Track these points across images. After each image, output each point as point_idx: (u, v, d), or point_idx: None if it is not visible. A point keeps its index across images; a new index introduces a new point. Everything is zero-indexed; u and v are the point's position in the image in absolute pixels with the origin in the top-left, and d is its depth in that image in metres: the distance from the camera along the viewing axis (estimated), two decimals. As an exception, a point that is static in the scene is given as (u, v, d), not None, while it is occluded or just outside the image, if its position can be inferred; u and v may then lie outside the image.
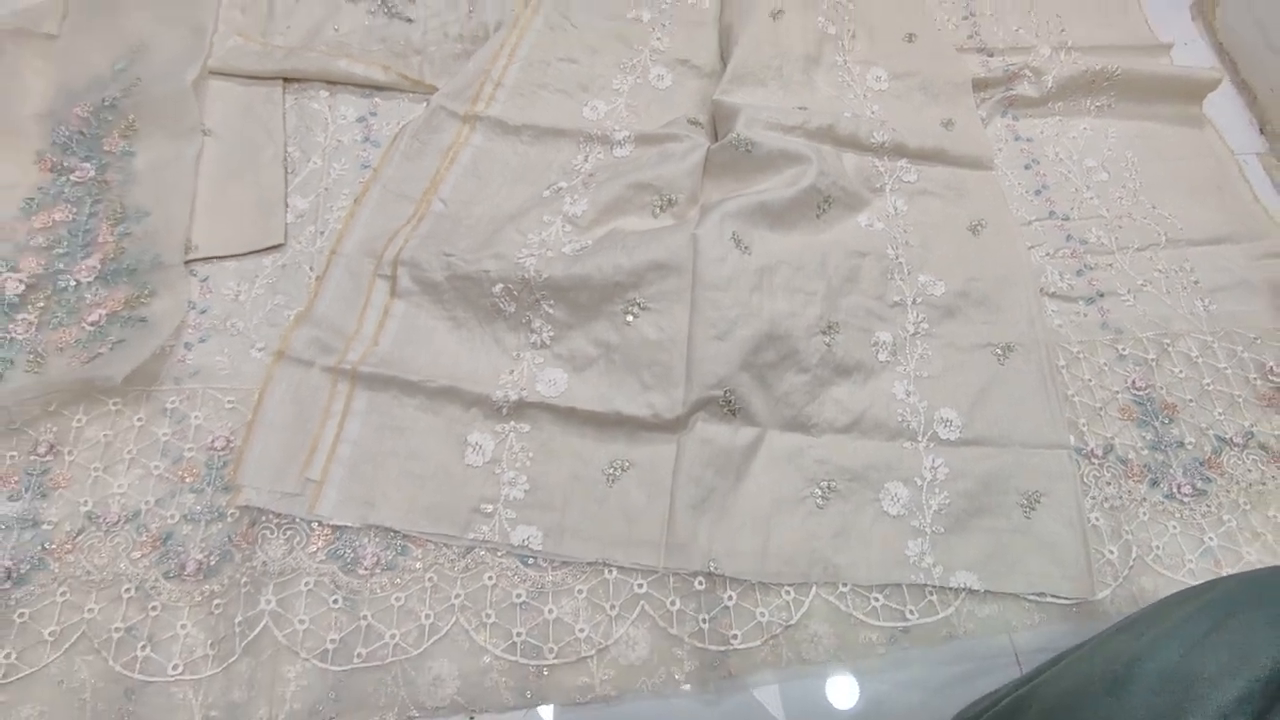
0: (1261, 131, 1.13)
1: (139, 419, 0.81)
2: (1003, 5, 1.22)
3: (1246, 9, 1.16)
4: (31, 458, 0.79)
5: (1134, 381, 0.90)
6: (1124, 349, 0.92)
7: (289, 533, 0.77)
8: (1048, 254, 0.99)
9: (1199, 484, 0.84)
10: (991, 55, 1.16)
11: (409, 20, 1.11)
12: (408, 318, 0.87)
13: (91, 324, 0.86)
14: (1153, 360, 0.92)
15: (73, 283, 0.88)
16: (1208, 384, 0.90)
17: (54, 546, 0.74)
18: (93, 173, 0.96)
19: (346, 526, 0.77)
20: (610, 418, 0.81)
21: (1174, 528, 0.82)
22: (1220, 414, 0.89)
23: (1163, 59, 1.18)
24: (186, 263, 0.91)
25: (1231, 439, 0.87)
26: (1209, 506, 0.83)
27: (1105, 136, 1.10)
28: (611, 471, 0.81)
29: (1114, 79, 1.09)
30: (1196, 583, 0.78)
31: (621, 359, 0.83)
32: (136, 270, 0.89)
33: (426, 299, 0.87)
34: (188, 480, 0.79)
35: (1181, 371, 0.91)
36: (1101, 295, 0.96)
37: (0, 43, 1.04)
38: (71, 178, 0.95)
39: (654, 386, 0.81)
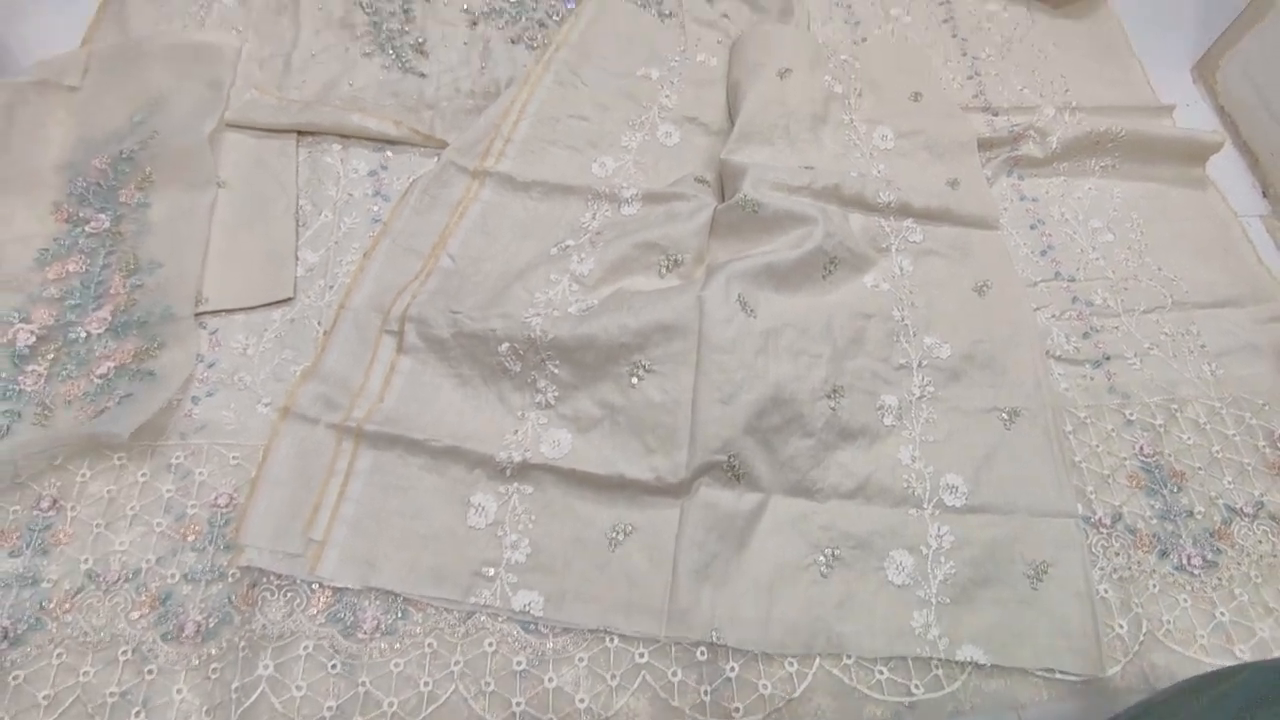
0: (1264, 194, 1.14)
1: (143, 474, 0.81)
2: (1007, 65, 1.24)
3: (1245, 75, 1.17)
4: (34, 513, 0.79)
5: (1142, 448, 0.90)
6: (1131, 414, 0.92)
7: (289, 594, 0.76)
8: (1054, 316, 0.99)
9: (1209, 555, 0.83)
10: (996, 115, 1.17)
11: (422, 75, 1.13)
12: (414, 374, 0.87)
13: (100, 376, 0.86)
14: (1160, 426, 0.91)
15: (83, 334, 0.89)
16: (1216, 451, 0.90)
17: (52, 605, 0.74)
18: (107, 224, 0.97)
19: (347, 589, 0.76)
20: (613, 480, 0.81)
21: (1184, 601, 0.81)
22: (1230, 483, 0.88)
23: (1165, 120, 1.19)
24: (196, 315, 0.92)
25: (1241, 509, 0.86)
26: (1220, 579, 0.82)
27: (1110, 197, 1.10)
28: (614, 535, 0.80)
29: (1118, 140, 1.10)
30: (1208, 659, 0.78)
31: (626, 421, 0.82)
32: (147, 322, 0.90)
33: (433, 356, 0.88)
34: (189, 538, 0.79)
35: (1189, 438, 0.91)
36: (1108, 358, 0.96)
37: (24, 94, 1.06)
38: (86, 229, 0.96)
39: (657, 450, 0.81)
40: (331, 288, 0.95)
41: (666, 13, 1.24)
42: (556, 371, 0.85)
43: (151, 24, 1.17)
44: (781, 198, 0.94)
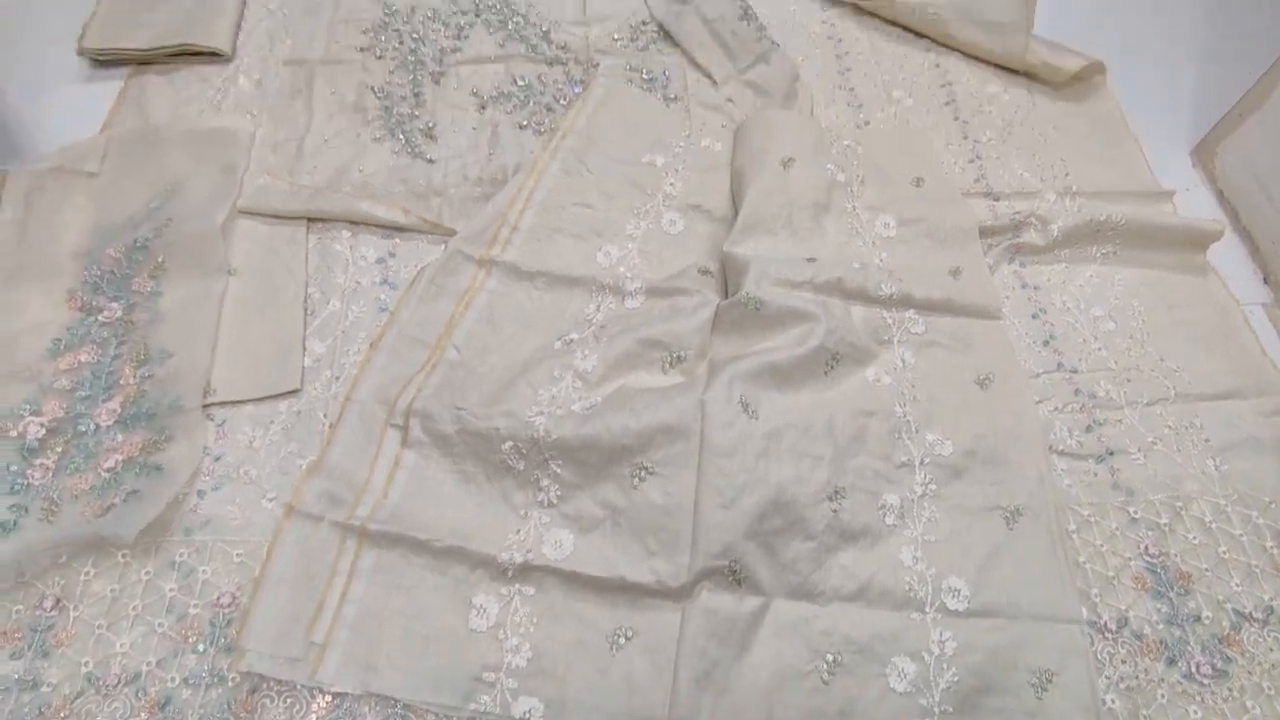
0: (1265, 281, 1.14)
1: (147, 572, 0.82)
2: (1008, 149, 1.25)
3: (1244, 163, 1.18)
4: (37, 613, 0.79)
5: (1146, 548, 0.89)
6: (1136, 512, 0.91)
7: (289, 700, 0.76)
8: (1056, 409, 0.99)
9: (1219, 664, 0.82)
10: (998, 199, 1.19)
11: (430, 161, 1.16)
12: (417, 469, 0.88)
13: (107, 470, 0.87)
14: (1165, 525, 0.91)
15: (92, 426, 0.90)
16: (1223, 552, 0.89)
17: (51, 711, 0.74)
18: (120, 313, 0.98)
19: (347, 694, 0.76)
20: (615, 583, 0.81)
21: (1195, 713, 0.79)
22: (1237, 585, 0.87)
23: (1165, 206, 1.20)
24: (204, 406, 0.93)
25: (1251, 614, 0.85)
26: (1230, 690, 0.81)
27: (1111, 284, 1.11)
28: (615, 638, 0.80)
29: (1118, 228, 1.11)
30: (1219, 777, 0.76)
31: (628, 522, 0.83)
32: (156, 415, 0.91)
33: (437, 451, 0.88)
34: (191, 639, 0.79)
35: (1195, 538, 0.90)
36: (1112, 453, 0.96)
37: (42, 181, 1.09)
38: (99, 318, 0.98)
39: (659, 553, 0.81)
40: (338, 378, 0.96)
41: (672, 96, 1.27)
42: (559, 471, 0.85)
43: (170, 108, 1.21)
44: (784, 294, 0.95)
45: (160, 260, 1.02)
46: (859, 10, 1.42)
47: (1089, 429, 0.98)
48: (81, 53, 1.25)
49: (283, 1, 1.36)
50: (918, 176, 1.18)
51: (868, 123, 1.27)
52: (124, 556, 0.82)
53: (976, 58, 1.37)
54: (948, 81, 1.34)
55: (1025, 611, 0.83)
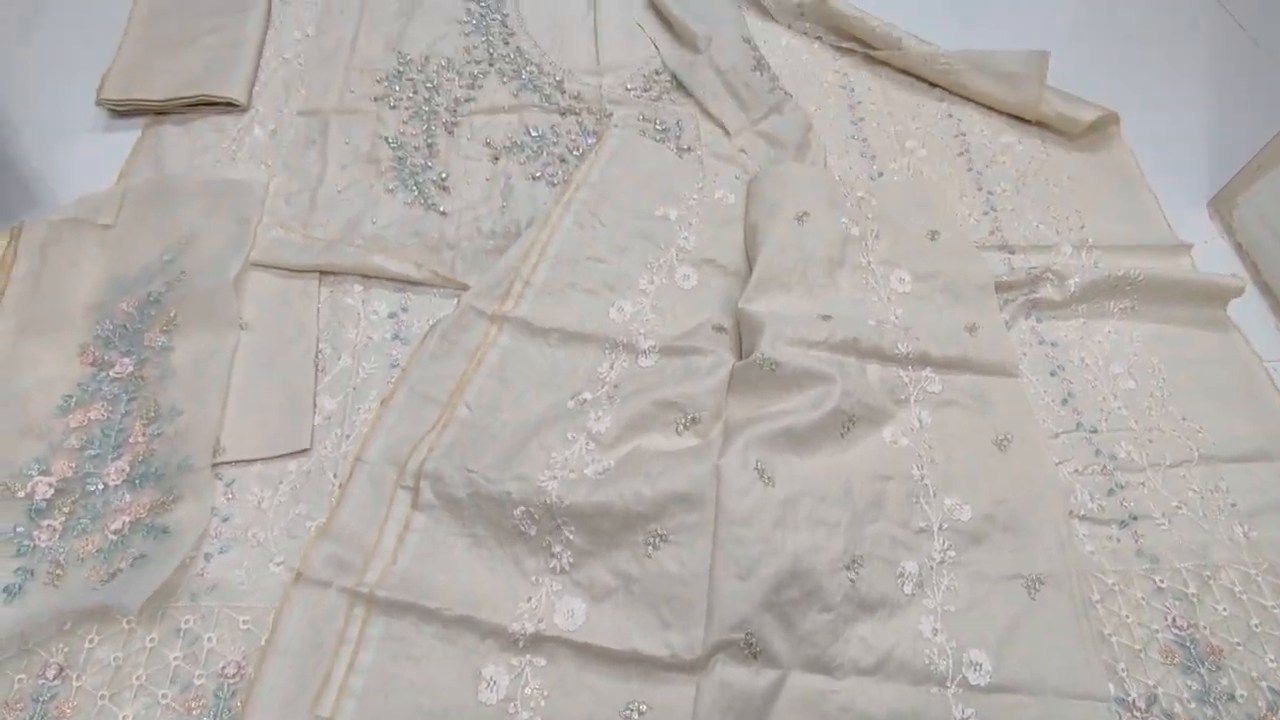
0: (1288, 337, 1.13)
1: (151, 639, 0.80)
2: (1022, 200, 1.25)
3: (1261, 219, 1.17)
4: (40, 682, 0.77)
5: (1174, 619, 0.87)
6: (1162, 581, 0.89)
7: (293, 777, 0.74)
8: (1076, 471, 0.97)
9: (1253, 746, 0.79)
10: (1013, 253, 1.18)
11: (443, 213, 1.16)
12: (427, 532, 0.87)
13: (115, 531, 0.86)
14: (1193, 595, 0.88)
15: (100, 486, 0.89)
16: (1255, 625, 0.86)
17: (50, 790, 0.72)
18: (131, 368, 0.98)
19: (351, 772, 0.74)
20: (627, 655, 0.79)
21: (1229, 799, 0.77)
22: (1271, 661, 0.84)
23: (1184, 259, 1.18)
24: (213, 465, 0.92)
25: (1284, 692, 0.82)
26: (1266, 774, 0.78)
27: (1130, 340, 1.09)
28: (628, 713, 0.78)
29: (1136, 283, 1.10)
30: None
31: (641, 591, 0.81)
32: (164, 475, 0.90)
33: (447, 514, 0.87)
34: (194, 712, 0.77)
35: (1225, 609, 0.87)
36: (1135, 518, 0.93)
37: (58, 232, 1.09)
38: (110, 373, 0.97)
39: (673, 624, 0.79)
40: (348, 437, 0.95)
41: (685, 147, 1.27)
42: (572, 537, 0.84)
43: (186, 158, 1.22)
44: (799, 354, 0.94)
45: (172, 315, 1.02)
46: (871, 60, 1.43)
47: (1110, 492, 0.95)
48: (100, 103, 1.26)
49: (298, 51, 1.38)
50: (932, 230, 1.17)
51: (881, 174, 1.27)
52: (129, 623, 0.81)
53: (990, 108, 1.36)
54: (961, 132, 1.33)
55: (1049, 687, 0.81)
